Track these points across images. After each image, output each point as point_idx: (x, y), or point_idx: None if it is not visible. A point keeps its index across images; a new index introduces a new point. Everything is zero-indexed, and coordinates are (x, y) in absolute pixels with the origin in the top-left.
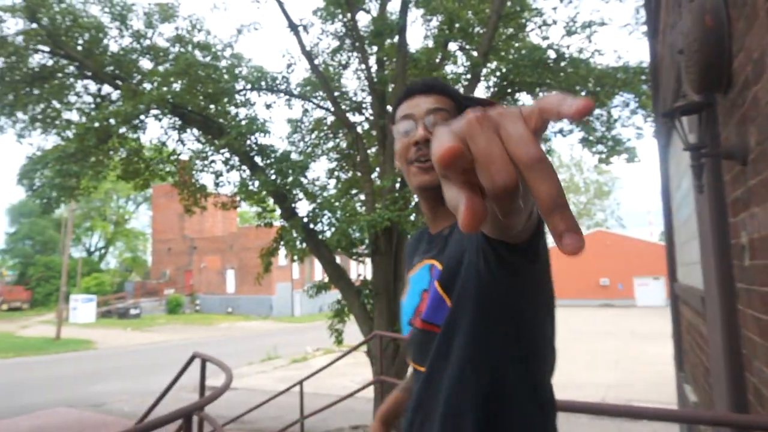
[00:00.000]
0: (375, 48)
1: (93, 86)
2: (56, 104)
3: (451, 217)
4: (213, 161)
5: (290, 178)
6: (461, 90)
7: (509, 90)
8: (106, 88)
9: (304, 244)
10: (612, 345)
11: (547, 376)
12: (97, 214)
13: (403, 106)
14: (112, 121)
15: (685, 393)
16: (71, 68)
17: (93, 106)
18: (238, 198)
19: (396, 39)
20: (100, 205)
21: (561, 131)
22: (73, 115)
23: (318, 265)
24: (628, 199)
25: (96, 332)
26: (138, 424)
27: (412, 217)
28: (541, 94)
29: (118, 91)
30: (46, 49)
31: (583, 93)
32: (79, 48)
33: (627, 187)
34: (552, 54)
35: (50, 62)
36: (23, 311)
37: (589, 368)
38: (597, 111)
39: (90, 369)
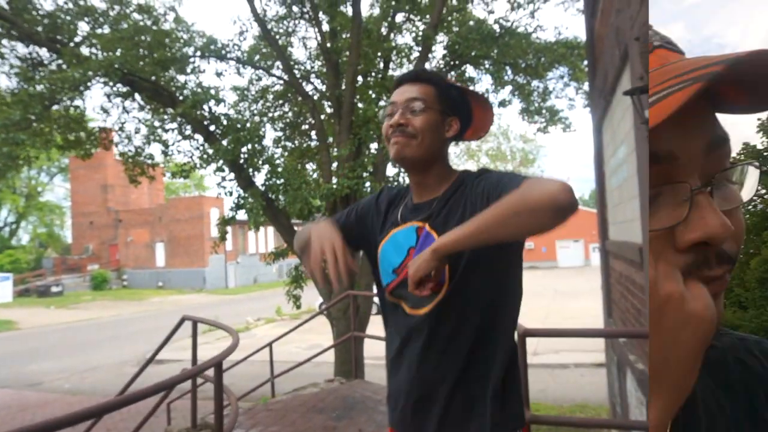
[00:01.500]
0: (328, 18)
1: (22, 49)
2: None
3: (435, 190)
4: (165, 130)
5: (247, 147)
6: (412, 65)
7: (456, 62)
8: (42, 53)
9: (261, 213)
10: (539, 303)
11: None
12: (5, 186)
13: (395, 92)
14: (55, 87)
15: None
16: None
17: (30, 71)
18: (189, 167)
19: (349, 9)
20: (9, 177)
21: (502, 102)
22: (4, 80)
23: (252, 237)
24: (550, 166)
25: (16, 312)
26: (120, 394)
27: (367, 185)
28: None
29: (53, 56)
30: None
31: (522, 65)
32: (5, 6)
33: (550, 155)
34: (497, 28)
35: None
36: None
37: (521, 323)
38: (535, 83)
39: (17, 349)
